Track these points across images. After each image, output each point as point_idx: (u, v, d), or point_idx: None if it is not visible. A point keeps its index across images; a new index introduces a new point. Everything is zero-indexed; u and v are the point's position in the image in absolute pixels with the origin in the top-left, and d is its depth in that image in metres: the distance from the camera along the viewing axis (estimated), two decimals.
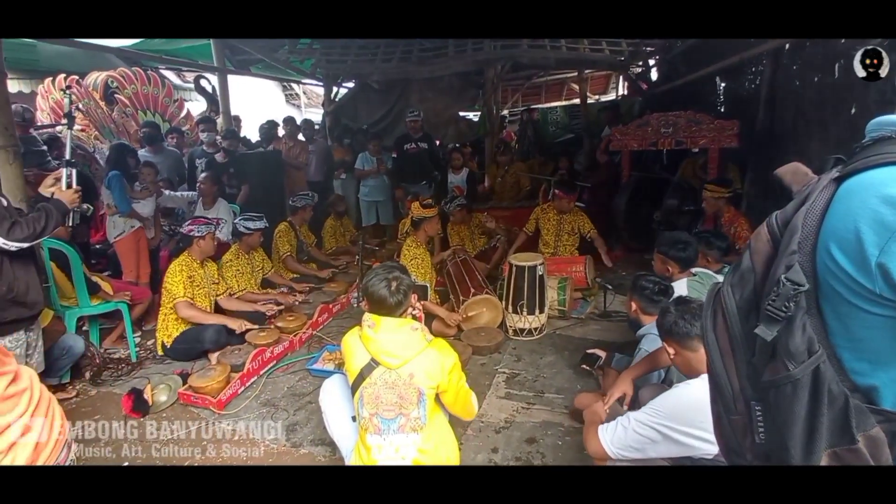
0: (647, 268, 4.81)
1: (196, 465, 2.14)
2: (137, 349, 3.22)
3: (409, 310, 1.96)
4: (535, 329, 3.40)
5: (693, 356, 1.54)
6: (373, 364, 1.67)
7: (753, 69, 4.93)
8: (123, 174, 3.70)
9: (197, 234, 3.05)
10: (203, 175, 4.23)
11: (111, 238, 3.75)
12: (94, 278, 3.06)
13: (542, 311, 3.40)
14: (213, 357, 2.88)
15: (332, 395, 1.94)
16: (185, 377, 2.67)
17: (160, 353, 3.09)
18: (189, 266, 3.05)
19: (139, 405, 2.43)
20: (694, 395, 1.48)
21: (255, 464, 2.17)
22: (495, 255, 4.63)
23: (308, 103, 13.90)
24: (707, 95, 6.06)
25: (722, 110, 5.70)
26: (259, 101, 11.95)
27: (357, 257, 4.44)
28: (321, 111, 8.41)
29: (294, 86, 13.05)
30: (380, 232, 6.19)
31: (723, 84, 5.90)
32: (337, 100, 7.40)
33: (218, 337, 2.92)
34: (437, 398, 1.75)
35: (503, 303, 3.47)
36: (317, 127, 7.06)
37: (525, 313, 3.34)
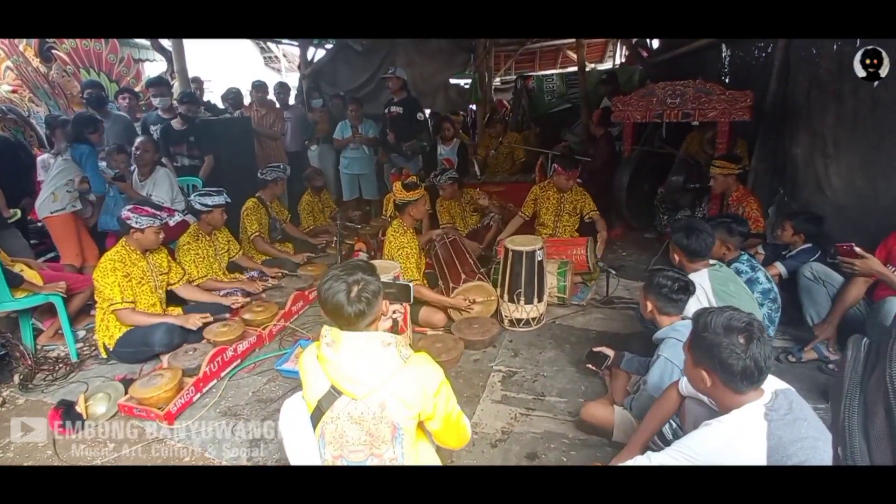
0: (647, 247, 4.60)
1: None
2: (79, 345, 2.81)
3: (389, 314, 1.59)
4: (534, 319, 3.09)
5: (738, 398, 1.22)
6: (334, 393, 1.29)
7: None
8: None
9: (134, 226, 2.56)
10: (140, 140, 3.65)
11: (43, 213, 3.21)
12: (17, 267, 2.61)
13: (540, 300, 3.08)
14: (165, 359, 2.50)
15: (293, 420, 1.54)
16: (127, 384, 2.28)
17: (103, 355, 2.66)
18: (125, 260, 2.58)
19: (70, 420, 2.05)
20: (729, 435, 1.21)
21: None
22: (488, 234, 4.29)
23: (288, 67, 13.06)
24: (712, 64, 5.67)
25: (727, 80, 5.32)
26: (234, 64, 11.17)
27: (335, 239, 4.04)
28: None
29: (273, 47, 12.20)
30: (363, 207, 5.78)
31: (728, 52, 5.50)
32: (315, 62, 6.79)
33: (170, 338, 2.52)
34: (421, 424, 1.40)
35: (498, 290, 3.14)
36: (294, 92, 6.48)
37: (522, 303, 3.02)
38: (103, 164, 3.59)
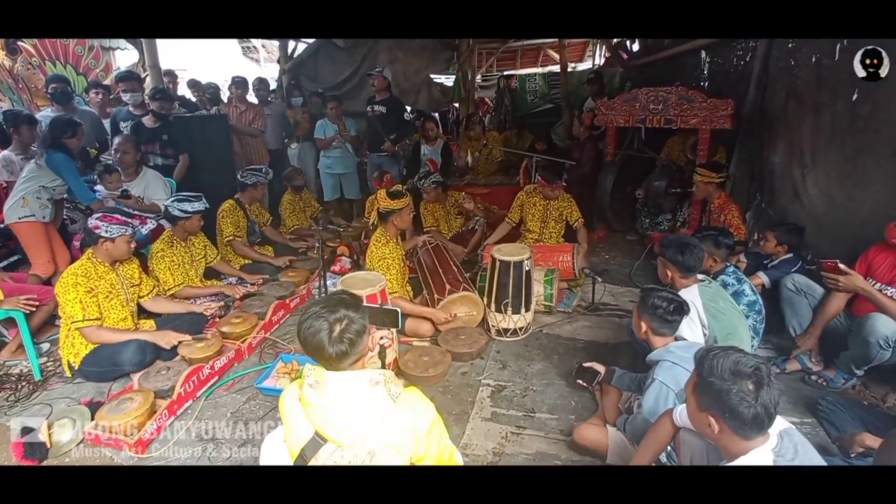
0: (630, 250, 4.63)
1: None
2: (43, 360, 2.63)
3: (377, 342, 1.50)
4: (521, 329, 3.06)
5: (745, 444, 1.18)
6: (318, 440, 1.19)
7: (744, 44, 4.60)
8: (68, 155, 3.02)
9: (104, 235, 2.39)
10: (119, 141, 3.43)
11: (11, 218, 2.98)
12: None
13: (528, 310, 3.04)
14: (136, 379, 2.35)
15: (277, 458, 1.44)
16: (94, 407, 2.13)
17: (68, 373, 2.49)
18: (89, 273, 2.40)
19: (33, 448, 1.90)
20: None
21: None
22: (473, 237, 4.24)
23: (267, 57, 12.66)
24: (691, 69, 5.74)
25: (706, 86, 5.39)
26: (210, 54, 10.74)
27: (317, 245, 3.91)
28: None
29: (253, 38, 11.78)
30: (344, 207, 5.64)
31: (708, 58, 5.58)
32: (295, 56, 6.57)
33: (142, 356, 2.37)
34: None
35: (485, 299, 3.09)
36: (273, 87, 6.25)
37: (510, 313, 2.98)
38: (100, 188, 3.36)
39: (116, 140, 3.47)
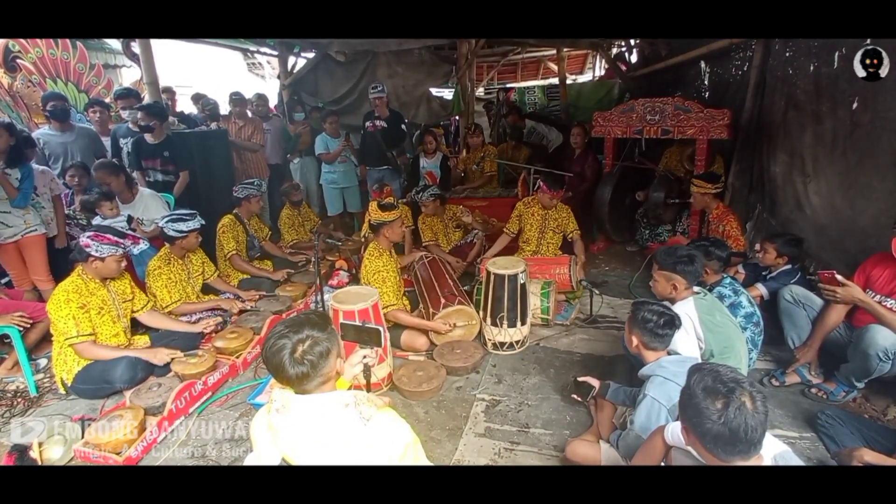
0: (630, 261, 4.61)
1: None
2: (40, 376, 2.63)
3: (359, 360, 1.47)
4: (517, 342, 3.03)
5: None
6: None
7: (741, 54, 4.63)
8: None
9: (94, 254, 2.39)
10: (97, 169, 3.38)
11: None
12: None
13: (524, 323, 3.02)
14: (128, 395, 2.34)
15: None
16: (86, 424, 2.12)
17: (62, 390, 2.49)
18: (80, 290, 2.41)
19: (24, 466, 1.89)
20: None
21: None
22: (472, 250, 4.23)
23: (272, 73, 12.89)
24: (690, 80, 5.76)
25: (706, 96, 5.40)
26: (218, 72, 10.94)
27: (313, 259, 3.92)
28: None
29: (257, 54, 12.02)
30: (346, 221, 5.66)
31: (707, 68, 5.58)
32: (295, 72, 6.67)
33: (133, 373, 2.36)
34: None
35: (480, 313, 3.07)
36: (275, 102, 6.33)
37: (506, 326, 2.96)
38: (99, 218, 3.34)
39: (95, 172, 3.42)
